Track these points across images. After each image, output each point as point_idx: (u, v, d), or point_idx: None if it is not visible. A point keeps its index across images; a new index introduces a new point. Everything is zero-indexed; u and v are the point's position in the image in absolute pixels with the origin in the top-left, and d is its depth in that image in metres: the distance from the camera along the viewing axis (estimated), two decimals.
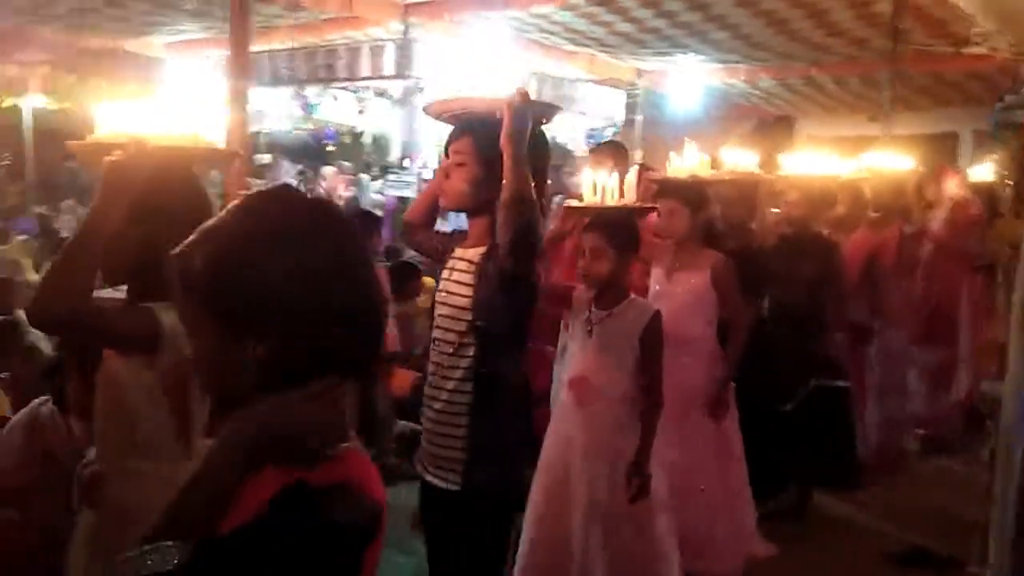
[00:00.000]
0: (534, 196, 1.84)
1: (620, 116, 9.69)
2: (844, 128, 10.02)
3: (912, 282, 4.80)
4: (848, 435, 3.89)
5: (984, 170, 5.72)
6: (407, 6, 6.79)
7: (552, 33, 7.49)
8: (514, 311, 1.96)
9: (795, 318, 3.68)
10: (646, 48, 7.97)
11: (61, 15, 6.99)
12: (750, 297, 3.40)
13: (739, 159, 3.83)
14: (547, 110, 2.21)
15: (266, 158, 10.24)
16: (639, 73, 9.41)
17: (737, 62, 8.40)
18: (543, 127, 2.11)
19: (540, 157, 2.02)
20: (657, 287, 3.23)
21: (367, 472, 0.99)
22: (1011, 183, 1.80)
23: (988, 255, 5.12)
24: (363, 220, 4.37)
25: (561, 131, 9.03)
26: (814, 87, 9.22)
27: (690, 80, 9.11)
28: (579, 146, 10.03)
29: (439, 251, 2.17)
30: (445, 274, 2.05)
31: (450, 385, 1.96)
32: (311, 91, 7.98)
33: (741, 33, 7.05)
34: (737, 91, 9.94)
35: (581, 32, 7.37)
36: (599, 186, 2.89)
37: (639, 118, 9.69)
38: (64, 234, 7.21)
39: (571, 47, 8.05)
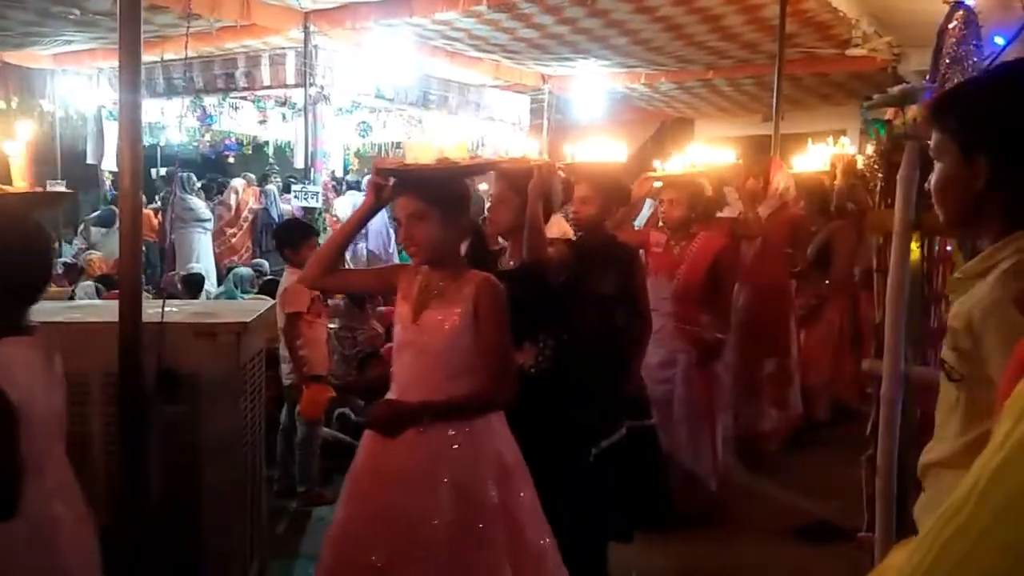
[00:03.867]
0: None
1: (526, 121, 9.83)
2: (739, 128, 10.46)
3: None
4: (659, 479, 3.25)
5: (815, 163, 5.30)
6: (307, 14, 6.70)
7: (456, 40, 7.53)
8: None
9: (592, 350, 2.79)
10: (549, 53, 8.10)
11: None
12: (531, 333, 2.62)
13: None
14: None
15: (163, 171, 9.91)
16: (544, 78, 9.57)
17: (637, 66, 8.64)
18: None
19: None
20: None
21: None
22: (880, 176, 1.94)
23: (805, 258, 4.67)
24: (299, 229, 4.25)
25: (469, 136, 9.08)
26: (711, 90, 9.56)
27: (593, 84, 9.32)
28: (488, 151, 10.08)
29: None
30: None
31: None
32: (209, 101, 7.76)
33: (640, 38, 7.26)
34: (638, 95, 10.22)
35: (484, 38, 7.44)
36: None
37: (545, 122, 9.85)
38: None
39: (475, 53, 8.12)
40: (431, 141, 2.43)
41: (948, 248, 2.09)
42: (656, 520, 3.22)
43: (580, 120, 9.66)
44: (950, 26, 1.92)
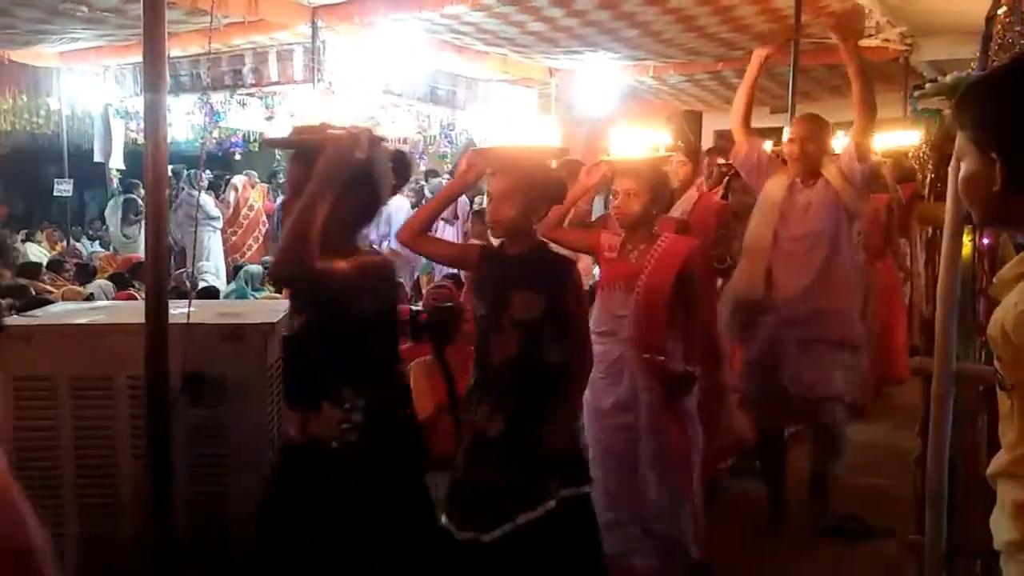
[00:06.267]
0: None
1: (534, 114, 9.77)
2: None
3: None
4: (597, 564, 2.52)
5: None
6: (315, 9, 6.64)
7: (464, 34, 7.47)
8: None
9: (503, 394, 2.31)
10: (558, 47, 8.04)
11: None
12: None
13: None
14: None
15: (170, 170, 9.87)
16: (551, 72, 9.51)
17: (646, 59, 8.58)
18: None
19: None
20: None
21: None
22: (931, 167, 1.90)
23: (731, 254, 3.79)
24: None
25: (477, 131, 9.04)
26: (720, 82, 9.50)
27: (601, 78, 9.26)
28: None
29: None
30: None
31: None
32: (216, 98, 7.71)
33: (650, 30, 7.20)
34: (646, 87, 10.15)
35: (493, 32, 7.38)
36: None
37: (552, 116, 9.79)
38: None
39: (483, 47, 8.06)
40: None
41: (986, 241, 2.04)
42: None
43: (587, 113, 9.60)
44: (998, 12, 1.86)
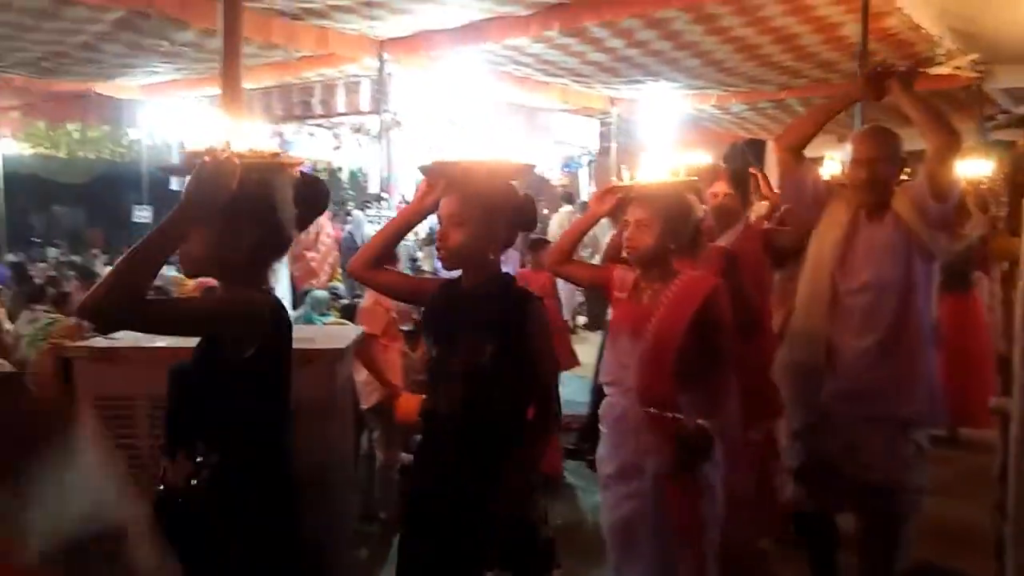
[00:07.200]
0: None
1: (595, 144, 9.82)
2: (812, 150, 10.19)
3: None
4: None
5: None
6: (382, 42, 6.84)
7: (525, 64, 7.58)
8: None
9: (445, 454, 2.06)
10: (618, 77, 8.08)
11: (33, 61, 6.95)
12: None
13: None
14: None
15: None
16: (612, 101, 9.55)
17: (708, 88, 8.55)
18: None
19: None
20: None
21: None
22: (1004, 200, 1.82)
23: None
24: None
25: (537, 161, 9.12)
26: (784, 110, 9.40)
27: (662, 107, 9.25)
28: (555, 175, 10.12)
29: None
30: None
31: None
32: (287, 128, 7.98)
33: (713, 59, 7.18)
34: (708, 116, 10.10)
35: (554, 63, 7.47)
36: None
37: (613, 145, 9.81)
38: (39, 281, 7.07)
39: (544, 77, 8.15)
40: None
41: None
42: None
43: (647, 143, 9.59)
44: None
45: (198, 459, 1.68)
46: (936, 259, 2.77)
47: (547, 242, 5.73)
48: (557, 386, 2.13)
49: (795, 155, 3.02)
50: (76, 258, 11.57)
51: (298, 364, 2.40)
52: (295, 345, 1.90)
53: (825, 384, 2.77)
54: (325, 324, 5.25)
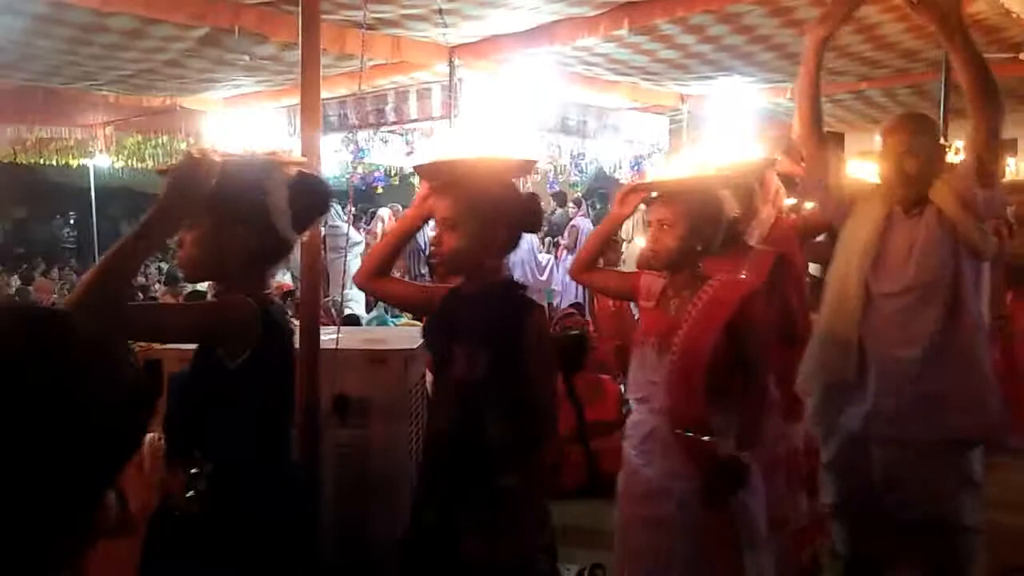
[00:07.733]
0: None
1: (665, 142, 9.71)
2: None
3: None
4: None
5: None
6: (453, 48, 6.94)
7: (594, 65, 7.57)
8: None
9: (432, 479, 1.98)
10: (690, 73, 7.98)
11: (123, 78, 7.32)
12: None
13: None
14: None
15: None
16: (682, 98, 9.43)
17: (783, 81, 8.35)
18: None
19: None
20: None
21: None
22: None
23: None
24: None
25: (607, 159, 9.08)
26: (864, 101, 9.12)
27: (734, 101, 9.09)
28: (624, 174, 10.03)
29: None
30: None
31: None
32: (361, 136, 8.17)
33: (787, 52, 7.02)
34: (783, 109, 9.86)
35: (623, 62, 7.43)
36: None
37: (685, 142, 9.68)
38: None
39: (613, 77, 8.12)
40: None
41: None
42: None
43: (717, 137, 9.43)
44: None
45: (193, 471, 1.62)
46: (985, 256, 2.50)
47: None
48: (552, 407, 1.98)
49: (817, 136, 2.76)
50: (163, 264, 12.14)
51: (371, 364, 2.47)
52: (367, 346, 1.93)
53: (858, 403, 2.49)
54: (397, 325, 5.35)
